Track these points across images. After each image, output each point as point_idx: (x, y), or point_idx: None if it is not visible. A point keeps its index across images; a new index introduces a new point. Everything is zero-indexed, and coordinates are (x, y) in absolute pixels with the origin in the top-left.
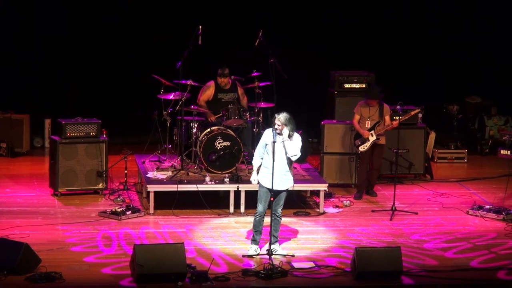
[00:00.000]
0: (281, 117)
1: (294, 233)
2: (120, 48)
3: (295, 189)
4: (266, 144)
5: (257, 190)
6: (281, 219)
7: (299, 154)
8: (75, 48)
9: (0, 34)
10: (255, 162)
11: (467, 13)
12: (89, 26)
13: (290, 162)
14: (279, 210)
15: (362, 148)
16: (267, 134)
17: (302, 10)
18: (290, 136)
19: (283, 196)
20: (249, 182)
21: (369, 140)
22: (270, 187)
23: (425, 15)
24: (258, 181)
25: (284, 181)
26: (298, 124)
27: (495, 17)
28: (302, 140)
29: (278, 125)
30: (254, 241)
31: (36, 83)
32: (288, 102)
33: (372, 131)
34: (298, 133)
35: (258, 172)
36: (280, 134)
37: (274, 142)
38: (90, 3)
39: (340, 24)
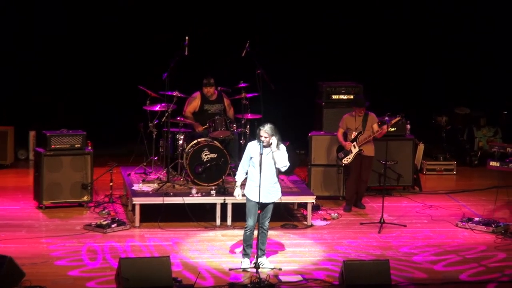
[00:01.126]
0: (267, 129)
1: (281, 246)
2: (114, 49)
3: (282, 201)
4: (251, 157)
5: (244, 203)
6: (267, 232)
7: (288, 164)
8: (68, 52)
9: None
10: (239, 177)
11: (466, 14)
12: (89, 26)
13: (278, 173)
14: (267, 223)
15: (346, 160)
16: (252, 146)
17: (290, 19)
18: (277, 146)
19: (270, 208)
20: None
21: (352, 152)
22: (256, 200)
23: (425, 16)
24: (243, 195)
25: (273, 193)
26: (285, 135)
27: (494, 18)
28: (288, 152)
29: (265, 137)
30: (246, 255)
31: (19, 94)
32: (276, 113)
33: (355, 142)
34: (285, 144)
35: (242, 186)
36: (267, 146)
37: (261, 154)
38: (90, 3)
39: (328, 34)
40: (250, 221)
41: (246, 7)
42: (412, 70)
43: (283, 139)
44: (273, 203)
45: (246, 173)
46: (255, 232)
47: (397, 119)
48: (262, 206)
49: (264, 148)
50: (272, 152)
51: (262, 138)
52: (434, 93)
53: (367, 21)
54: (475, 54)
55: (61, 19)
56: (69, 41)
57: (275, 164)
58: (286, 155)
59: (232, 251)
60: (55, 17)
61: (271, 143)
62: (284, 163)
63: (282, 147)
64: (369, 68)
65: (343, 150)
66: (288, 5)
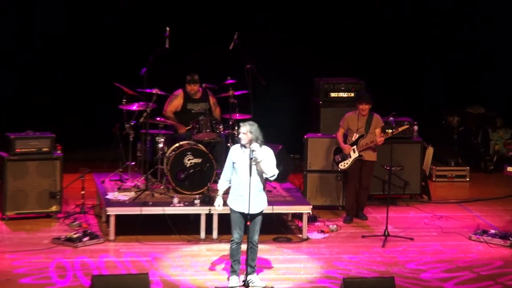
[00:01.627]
0: (246, 126)
1: (273, 262)
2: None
3: (274, 211)
4: (234, 163)
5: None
6: (257, 246)
7: (277, 172)
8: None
9: None
10: (221, 186)
11: (467, 14)
12: (89, 26)
13: (263, 181)
14: (256, 237)
15: (343, 165)
16: (235, 151)
17: (282, 9)
18: (260, 146)
19: (258, 220)
20: (223, 205)
21: (350, 157)
22: (243, 211)
23: (425, 16)
24: (225, 205)
25: (258, 203)
26: (278, 138)
27: (495, 17)
28: (281, 156)
29: (243, 133)
30: (233, 272)
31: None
32: (267, 113)
33: (355, 146)
34: (277, 148)
35: (226, 196)
36: (246, 145)
37: (251, 159)
38: (90, 3)
39: (327, 25)
40: (236, 234)
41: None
42: (419, 65)
43: (275, 141)
44: (261, 214)
45: (230, 181)
46: (243, 246)
47: (404, 127)
48: (247, 217)
49: (244, 149)
50: (258, 162)
51: (240, 136)
52: (443, 90)
53: (366, 20)
54: (475, 55)
55: (61, 19)
56: (69, 41)
57: (261, 173)
58: (274, 161)
59: (213, 267)
60: (55, 17)
61: (254, 150)
62: (272, 172)
63: (268, 151)
64: (370, 66)
65: (341, 153)
66: None
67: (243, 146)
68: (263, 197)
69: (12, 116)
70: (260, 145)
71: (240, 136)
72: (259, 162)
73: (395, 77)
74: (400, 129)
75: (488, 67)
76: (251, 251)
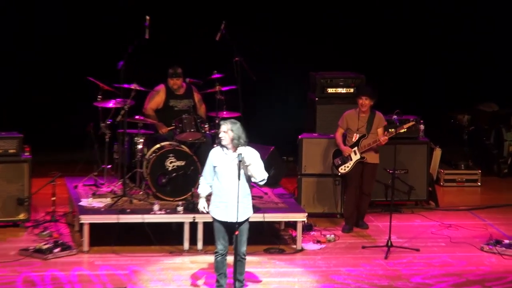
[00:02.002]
0: (227, 124)
1: (264, 275)
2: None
3: (265, 220)
4: (215, 167)
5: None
6: (245, 259)
7: (266, 176)
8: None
9: None
10: (203, 190)
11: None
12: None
13: (248, 186)
14: (244, 249)
15: (343, 169)
16: (215, 154)
17: None
18: (240, 146)
19: (245, 230)
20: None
21: (351, 159)
22: (228, 220)
23: (426, 14)
24: (208, 211)
25: (243, 210)
26: (269, 138)
27: (495, 17)
28: (273, 158)
29: (224, 131)
30: (220, 286)
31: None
32: (258, 110)
33: (356, 148)
34: (268, 149)
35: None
36: (224, 145)
37: (240, 161)
38: (90, 3)
39: (324, 16)
40: (220, 245)
41: None
42: (411, 70)
43: (266, 142)
44: (247, 222)
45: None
46: (229, 258)
47: (410, 124)
48: (233, 226)
49: (226, 151)
50: (246, 166)
51: (220, 135)
52: (452, 85)
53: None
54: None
55: (61, 19)
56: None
57: (248, 177)
58: (261, 162)
59: (194, 283)
60: (55, 17)
61: (240, 154)
62: (261, 175)
63: (253, 153)
64: (370, 60)
65: (340, 156)
66: None
67: (224, 147)
68: (248, 203)
69: (12, 116)
70: (244, 146)
71: (220, 135)
72: (247, 165)
73: (398, 72)
74: (406, 126)
75: (503, 60)
76: (239, 264)
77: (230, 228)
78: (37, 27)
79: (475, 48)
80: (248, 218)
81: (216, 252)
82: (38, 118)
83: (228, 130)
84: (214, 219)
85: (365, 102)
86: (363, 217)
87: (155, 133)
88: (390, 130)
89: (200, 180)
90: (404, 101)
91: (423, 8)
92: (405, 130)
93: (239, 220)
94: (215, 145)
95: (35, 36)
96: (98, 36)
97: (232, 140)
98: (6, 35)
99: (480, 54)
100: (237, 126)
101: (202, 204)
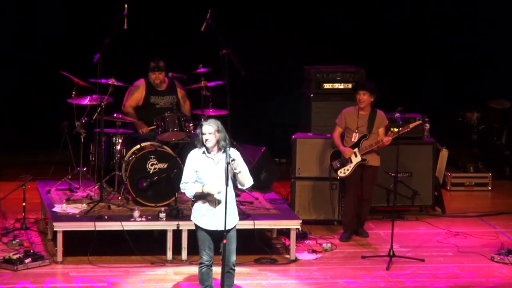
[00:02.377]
0: (211, 123)
1: (255, 287)
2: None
3: (256, 227)
4: (197, 171)
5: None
6: (234, 270)
7: (252, 180)
8: None
9: None
10: (195, 187)
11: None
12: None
13: (233, 189)
14: (233, 259)
15: (342, 172)
16: (196, 157)
17: None
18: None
19: (234, 238)
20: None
21: (351, 162)
22: (216, 228)
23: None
24: (195, 219)
25: (232, 216)
26: (260, 138)
27: (495, 19)
28: (264, 160)
29: (209, 133)
30: None
31: None
32: (247, 108)
33: (356, 149)
34: (259, 150)
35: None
36: (211, 148)
37: (228, 163)
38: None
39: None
40: (205, 256)
41: None
42: (415, 64)
43: (256, 142)
44: (235, 229)
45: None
46: (215, 269)
47: (416, 123)
48: (220, 234)
49: (208, 155)
50: (237, 173)
51: (205, 137)
52: (460, 81)
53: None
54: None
55: (61, 19)
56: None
57: (235, 182)
58: (246, 166)
59: None
60: (55, 17)
61: (234, 160)
62: (249, 182)
63: (237, 154)
64: (370, 54)
65: (339, 158)
66: None
67: (206, 150)
68: (235, 209)
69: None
70: (228, 147)
71: (205, 137)
72: (238, 173)
73: (400, 67)
74: (412, 125)
75: None
76: (227, 276)
77: (217, 237)
78: (37, 27)
79: (481, 41)
80: (235, 225)
81: (200, 263)
82: (7, 117)
83: (214, 131)
84: (198, 228)
85: (363, 97)
86: (363, 224)
87: (135, 133)
88: (393, 129)
89: (182, 186)
90: (407, 98)
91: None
92: (410, 129)
93: (228, 228)
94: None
95: (35, 36)
96: (70, 25)
97: (219, 141)
98: (6, 35)
99: (505, 38)
100: (221, 125)
101: (213, 187)
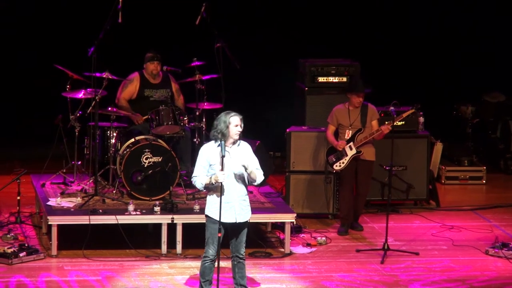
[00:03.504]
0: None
1: (250, 281)
2: None
3: (251, 220)
4: (211, 165)
5: (200, 223)
6: (245, 260)
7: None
8: None
9: None
10: (202, 181)
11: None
12: None
13: (246, 182)
14: (243, 250)
15: (338, 166)
16: (210, 150)
17: None
18: (238, 144)
19: (245, 231)
20: (189, 212)
21: (346, 155)
22: (231, 221)
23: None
24: (210, 212)
25: (246, 209)
26: (255, 132)
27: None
28: (257, 154)
29: (242, 127)
30: None
31: None
32: (242, 101)
33: (351, 143)
34: (254, 144)
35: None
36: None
37: (223, 156)
38: None
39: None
40: (211, 250)
41: None
42: (410, 58)
43: (251, 136)
44: (247, 223)
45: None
46: (225, 263)
47: (410, 111)
48: (234, 227)
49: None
50: (249, 172)
51: (239, 128)
52: (454, 74)
53: None
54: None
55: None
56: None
57: (246, 179)
58: (256, 159)
59: None
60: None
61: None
62: (260, 177)
63: (247, 147)
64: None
65: (334, 153)
66: None
67: (221, 141)
68: (248, 201)
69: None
70: (222, 141)
71: (238, 129)
72: (249, 172)
73: (395, 60)
74: (405, 114)
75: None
76: (239, 267)
77: (232, 230)
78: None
79: (476, 35)
80: (248, 219)
81: (205, 257)
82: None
83: (241, 122)
84: (211, 220)
85: (359, 99)
86: (358, 218)
87: (129, 126)
88: (386, 122)
89: (193, 179)
90: (402, 91)
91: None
92: (404, 118)
93: (242, 221)
94: (195, 140)
95: None
96: (66, 19)
97: (240, 133)
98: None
99: (497, 34)
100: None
101: (219, 176)
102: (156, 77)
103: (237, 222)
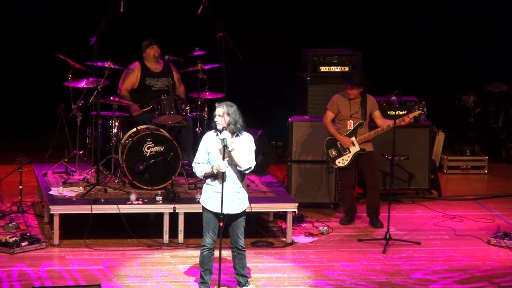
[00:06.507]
0: (222, 106)
1: (252, 271)
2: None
3: (253, 210)
4: (209, 153)
5: (202, 213)
6: (245, 251)
7: (253, 165)
8: None
9: None
10: (202, 169)
11: None
12: None
13: (242, 175)
14: (241, 241)
15: (340, 162)
16: (209, 139)
17: None
18: (237, 135)
19: (241, 222)
20: (191, 202)
21: (349, 151)
22: (219, 211)
23: None
24: (202, 201)
25: (239, 201)
26: (257, 121)
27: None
28: (259, 143)
29: (219, 115)
30: (204, 283)
31: None
32: (243, 91)
33: (354, 138)
34: (256, 133)
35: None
36: (220, 129)
37: (225, 146)
38: None
39: None
40: (208, 239)
41: None
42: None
43: (253, 125)
44: (243, 214)
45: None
46: (216, 253)
47: (416, 113)
48: (228, 218)
49: (219, 134)
50: (229, 151)
51: (215, 119)
52: (456, 63)
53: None
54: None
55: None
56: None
57: (236, 165)
58: (253, 150)
59: (174, 279)
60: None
61: (225, 138)
62: (247, 164)
63: (247, 139)
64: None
65: (336, 147)
66: None
67: (219, 131)
68: (244, 194)
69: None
70: (240, 131)
71: (215, 119)
72: (230, 151)
73: (397, 49)
74: (411, 115)
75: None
76: (239, 257)
77: (227, 220)
78: None
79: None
80: (245, 210)
81: (203, 246)
82: (3, 99)
83: (224, 113)
84: (205, 210)
85: (351, 91)
86: (378, 214)
87: (131, 116)
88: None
89: (194, 166)
90: (404, 81)
91: None
92: (413, 117)
93: (236, 212)
94: (197, 129)
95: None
96: (67, 8)
97: (228, 125)
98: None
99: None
100: (234, 109)
101: (220, 164)
102: (158, 63)
103: (228, 213)
